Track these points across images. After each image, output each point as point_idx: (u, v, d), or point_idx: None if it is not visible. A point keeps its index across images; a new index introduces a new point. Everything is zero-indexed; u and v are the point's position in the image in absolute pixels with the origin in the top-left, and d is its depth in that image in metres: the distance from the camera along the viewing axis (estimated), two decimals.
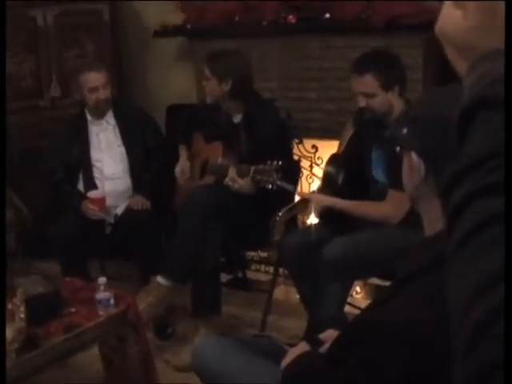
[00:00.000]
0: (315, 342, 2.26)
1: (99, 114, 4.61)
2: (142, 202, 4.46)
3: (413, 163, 1.72)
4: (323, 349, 2.16)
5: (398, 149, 1.80)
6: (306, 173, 4.93)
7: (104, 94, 4.49)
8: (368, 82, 3.52)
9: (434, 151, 1.66)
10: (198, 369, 2.43)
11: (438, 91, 1.95)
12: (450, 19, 0.82)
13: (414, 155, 1.71)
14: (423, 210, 1.78)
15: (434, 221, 1.71)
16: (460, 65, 0.82)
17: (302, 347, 2.20)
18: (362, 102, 3.57)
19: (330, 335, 2.22)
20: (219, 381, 2.32)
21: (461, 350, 0.63)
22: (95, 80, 4.47)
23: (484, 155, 0.68)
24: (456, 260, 0.66)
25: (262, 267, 5.11)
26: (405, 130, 1.74)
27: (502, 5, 0.78)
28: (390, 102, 3.52)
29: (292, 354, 2.15)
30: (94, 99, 4.48)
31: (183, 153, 4.55)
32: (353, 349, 1.76)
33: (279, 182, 3.76)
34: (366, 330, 1.73)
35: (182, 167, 4.51)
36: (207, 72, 4.22)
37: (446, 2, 0.82)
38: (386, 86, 3.50)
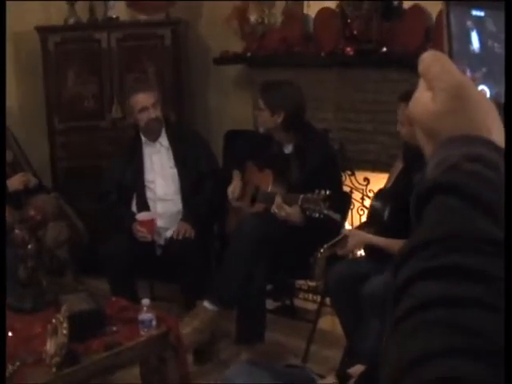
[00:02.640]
0: (343, 376, 2.27)
1: (153, 136, 4.68)
2: (185, 231, 4.48)
3: None
4: (350, 383, 2.17)
5: None
6: (357, 205, 4.92)
7: (154, 113, 4.56)
8: (401, 111, 3.65)
9: None
10: None
11: None
12: (420, 100, 0.82)
13: None
14: None
15: None
16: (427, 148, 0.82)
17: (330, 380, 2.21)
18: (398, 127, 3.67)
19: (357, 370, 2.23)
20: None
21: None
22: (144, 100, 4.55)
23: (427, 240, 0.69)
24: (391, 337, 0.68)
25: (310, 296, 5.11)
26: None
27: (471, 92, 0.79)
28: (418, 140, 3.54)
29: None
30: (144, 119, 4.56)
31: (237, 176, 4.59)
32: None
33: (326, 211, 3.78)
34: None
35: (233, 187, 4.54)
36: (260, 103, 4.27)
37: (420, 83, 0.82)
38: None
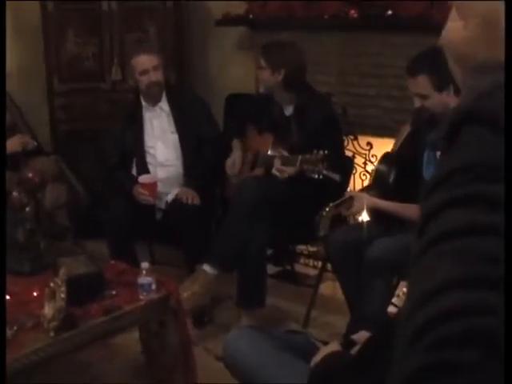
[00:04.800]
0: (348, 343, 2.24)
1: (153, 99, 4.63)
2: (190, 196, 4.43)
3: None
4: (354, 349, 2.14)
5: (438, 153, 1.75)
6: (359, 170, 4.89)
7: (155, 76, 4.51)
8: (421, 84, 3.47)
9: None
10: (227, 360, 2.44)
11: None
12: (453, 29, 0.83)
13: None
14: None
15: None
16: (457, 76, 0.83)
17: (333, 346, 2.18)
18: (417, 103, 3.54)
19: (362, 336, 2.20)
20: (246, 374, 2.32)
21: (398, 355, 0.64)
22: (145, 62, 4.50)
23: (454, 169, 0.68)
24: (414, 267, 0.67)
25: (311, 261, 5.09)
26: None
27: (502, 18, 0.77)
28: (445, 102, 3.46)
29: (322, 353, 2.13)
30: (145, 82, 4.52)
31: (237, 146, 4.56)
32: (379, 351, 1.74)
33: (325, 172, 3.75)
34: (392, 334, 1.70)
35: (232, 160, 4.52)
36: (262, 61, 4.25)
37: (452, 13, 0.84)
38: (440, 87, 3.44)
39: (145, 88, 4.56)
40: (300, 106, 4.21)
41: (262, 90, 4.42)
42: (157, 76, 4.53)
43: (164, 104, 4.66)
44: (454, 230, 0.64)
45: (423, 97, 3.49)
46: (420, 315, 0.61)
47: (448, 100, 3.46)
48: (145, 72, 4.50)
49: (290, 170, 3.97)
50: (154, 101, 4.63)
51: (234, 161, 4.53)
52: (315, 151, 3.80)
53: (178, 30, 5.67)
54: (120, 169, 4.65)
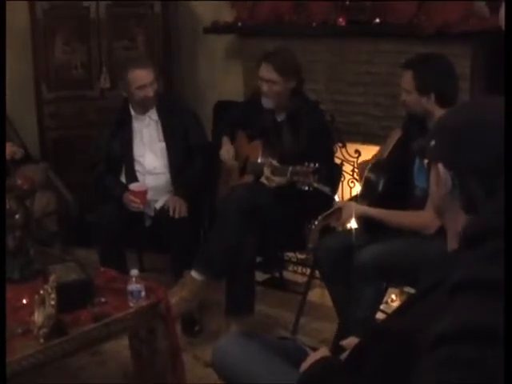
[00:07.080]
0: (337, 348, 2.25)
1: (144, 109, 4.62)
2: (178, 206, 4.40)
3: (440, 175, 1.67)
4: (344, 355, 2.15)
5: (425, 161, 1.77)
6: (347, 177, 4.90)
7: (152, 91, 4.50)
8: (406, 79, 3.59)
9: (460, 164, 1.62)
10: (217, 366, 2.45)
11: (469, 102, 1.92)
12: None
13: (441, 167, 1.67)
14: (447, 223, 1.74)
15: (456, 235, 1.66)
16: None
17: (323, 352, 2.19)
18: (403, 96, 3.63)
19: (351, 342, 2.20)
20: (236, 379, 2.33)
21: None
22: (144, 78, 4.46)
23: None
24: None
25: (300, 268, 5.10)
26: (433, 142, 1.70)
27: None
28: (424, 107, 3.52)
29: (312, 359, 2.14)
30: (141, 96, 4.49)
31: (227, 141, 4.56)
32: (368, 357, 1.75)
33: (316, 184, 3.74)
34: (380, 339, 1.71)
35: (226, 148, 4.52)
36: (270, 72, 4.17)
37: None
38: (420, 90, 3.51)
39: (140, 101, 4.53)
40: (293, 112, 4.22)
41: (270, 103, 4.29)
42: (154, 90, 4.51)
43: (152, 113, 4.65)
44: None
45: (407, 92, 3.57)
46: None
47: (428, 107, 3.52)
48: (143, 87, 4.46)
49: (279, 180, 3.97)
50: (145, 110, 4.63)
51: (228, 148, 4.53)
52: (306, 163, 3.78)
53: (166, 37, 5.69)
54: (109, 175, 4.64)
